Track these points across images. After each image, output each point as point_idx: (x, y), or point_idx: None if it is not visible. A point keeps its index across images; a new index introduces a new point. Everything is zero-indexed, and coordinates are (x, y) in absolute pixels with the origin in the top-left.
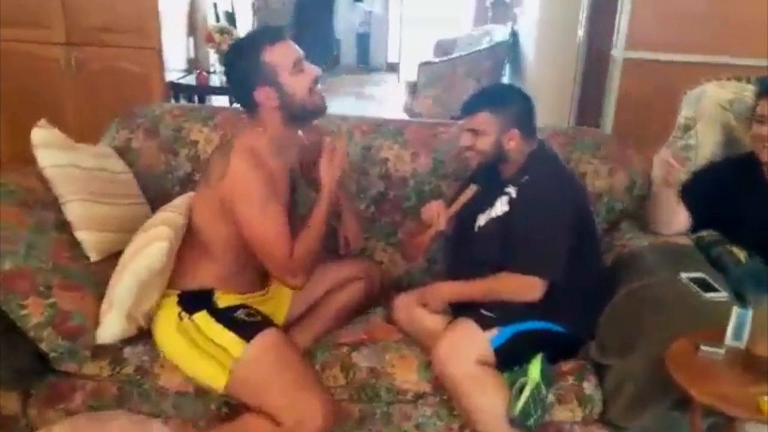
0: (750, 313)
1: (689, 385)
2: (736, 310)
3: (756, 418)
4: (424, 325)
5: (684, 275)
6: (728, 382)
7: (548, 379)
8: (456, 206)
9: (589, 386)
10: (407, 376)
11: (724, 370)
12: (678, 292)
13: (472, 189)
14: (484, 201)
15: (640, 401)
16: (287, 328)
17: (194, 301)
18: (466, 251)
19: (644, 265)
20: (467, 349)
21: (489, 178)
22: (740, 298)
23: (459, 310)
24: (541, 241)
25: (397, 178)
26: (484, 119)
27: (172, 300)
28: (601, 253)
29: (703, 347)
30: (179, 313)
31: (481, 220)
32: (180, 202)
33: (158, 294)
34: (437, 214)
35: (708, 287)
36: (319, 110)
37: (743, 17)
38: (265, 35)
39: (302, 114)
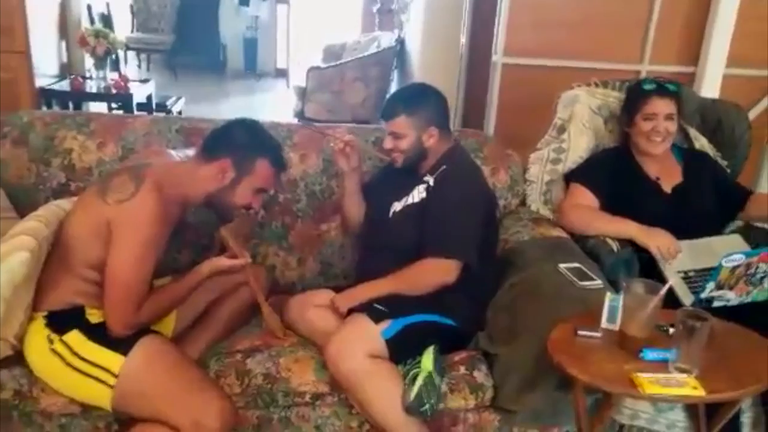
0: (621, 297)
1: (570, 367)
2: (608, 296)
3: (630, 392)
4: (317, 326)
5: (562, 266)
6: (605, 362)
7: (441, 369)
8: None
9: (480, 375)
10: (303, 377)
11: (601, 351)
12: (556, 282)
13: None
14: (400, 191)
15: (528, 385)
16: (176, 340)
17: (63, 320)
18: (380, 238)
19: (525, 258)
20: (359, 342)
21: (406, 172)
22: (614, 285)
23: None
24: (458, 226)
25: (287, 181)
26: (402, 123)
27: (39, 323)
28: (493, 247)
29: (580, 331)
30: (48, 336)
31: (397, 206)
32: (45, 211)
33: (23, 313)
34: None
35: (584, 276)
36: (228, 220)
37: (612, 25)
38: (278, 155)
39: (219, 210)
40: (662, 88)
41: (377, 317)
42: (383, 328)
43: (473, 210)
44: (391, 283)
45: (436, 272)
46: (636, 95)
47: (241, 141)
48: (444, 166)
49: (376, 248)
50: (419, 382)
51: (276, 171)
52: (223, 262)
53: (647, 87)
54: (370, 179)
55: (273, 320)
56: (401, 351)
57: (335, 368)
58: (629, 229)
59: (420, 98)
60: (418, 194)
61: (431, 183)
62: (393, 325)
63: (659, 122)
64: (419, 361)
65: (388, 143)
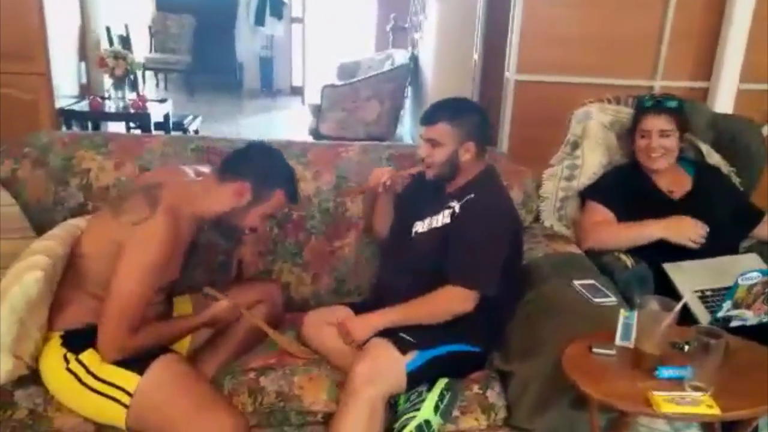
0: (635, 314)
1: (585, 385)
2: (622, 313)
3: (646, 411)
4: (332, 344)
5: (576, 282)
6: (620, 380)
7: (449, 404)
8: (404, 172)
9: (493, 394)
10: (316, 396)
11: (615, 369)
12: (571, 299)
13: (417, 168)
14: (424, 210)
15: (542, 403)
16: (191, 358)
17: (80, 339)
18: (400, 257)
19: (539, 274)
20: (386, 376)
21: (432, 189)
22: (628, 301)
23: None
24: (481, 257)
25: (301, 198)
26: (443, 130)
27: (55, 342)
28: (520, 275)
29: (595, 349)
30: (65, 355)
31: (420, 227)
32: (60, 231)
33: (39, 332)
34: (384, 173)
35: (598, 292)
36: (232, 240)
37: (624, 41)
38: (294, 189)
39: (226, 230)
40: (659, 104)
41: (403, 347)
42: (409, 360)
43: (497, 241)
44: (407, 312)
45: (453, 301)
46: (636, 112)
47: (263, 168)
48: (472, 194)
49: (395, 266)
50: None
51: (291, 202)
52: (219, 306)
53: (645, 104)
54: (399, 193)
55: (286, 342)
56: (419, 382)
57: (359, 386)
58: (657, 231)
59: (464, 109)
60: (442, 219)
61: (457, 210)
62: (418, 357)
63: (653, 139)
64: (423, 399)
65: (424, 150)
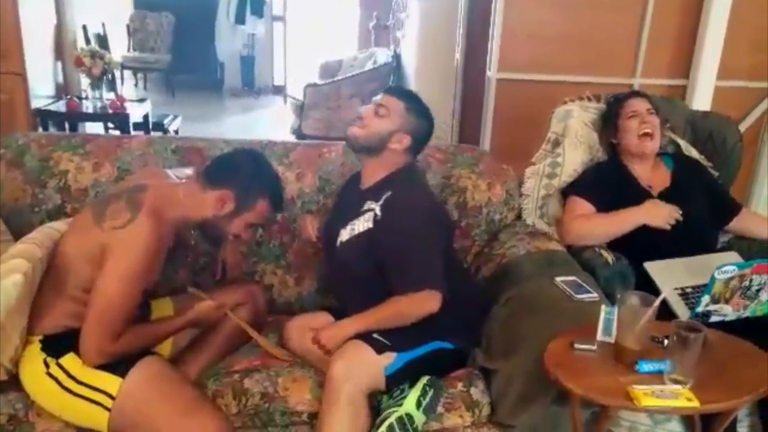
0: (616, 310)
1: (566, 380)
2: (603, 308)
3: (627, 405)
4: (311, 349)
5: (558, 279)
6: (601, 375)
7: (433, 400)
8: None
9: (476, 391)
10: (301, 396)
11: (597, 364)
12: (553, 296)
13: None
14: (345, 214)
15: (525, 399)
16: (174, 360)
17: (59, 343)
18: (334, 265)
19: (521, 272)
20: (364, 374)
21: (351, 189)
22: (610, 297)
23: None
24: (418, 256)
25: (284, 199)
26: (397, 107)
27: (35, 347)
28: (462, 264)
29: (577, 345)
30: (44, 360)
31: (344, 235)
32: (39, 233)
33: (18, 337)
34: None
35: (580, 289)
36: (217, 245)
37: (604, 40)
38: (278, 197)
39: (210, 234)
40: (634, 91)
41: (379, 348)
42: (387, 362)
43: (428, 235)
44: (377, 318)
45: (413, 306)
46: (614, 103)
47: (246, 176)
48: (389, 192)
49: (335, 274)
50: (385, 424)
51: (276, 211)
52: (204, 305)
53: (621, 95)
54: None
55: (268, 345)
56: (399, 383)
57: (337, 385)
58: (637, 218)
59: (423, 112)
60: (364, 223)
61: (378, 212)
62: (396, 360)
63: (644, 116)
64: (405, 396)
65: (367, 111)
